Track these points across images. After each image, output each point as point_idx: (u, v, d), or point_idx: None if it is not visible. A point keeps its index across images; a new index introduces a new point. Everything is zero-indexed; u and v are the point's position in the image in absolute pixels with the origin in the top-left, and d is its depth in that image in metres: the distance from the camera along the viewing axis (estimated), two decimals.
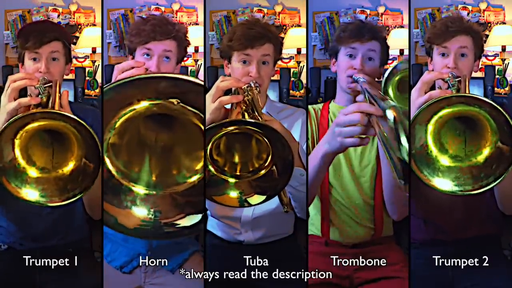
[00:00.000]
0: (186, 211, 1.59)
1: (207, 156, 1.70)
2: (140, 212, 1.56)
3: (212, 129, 1.66)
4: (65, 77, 2.17)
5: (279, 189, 1.75)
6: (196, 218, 1.58)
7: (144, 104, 1.52)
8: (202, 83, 1.51)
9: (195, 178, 1.59)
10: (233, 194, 1.74)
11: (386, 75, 1.93)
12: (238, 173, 1.75)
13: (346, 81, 2.13)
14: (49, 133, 1.76)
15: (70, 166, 1.74)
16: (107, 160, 1.61)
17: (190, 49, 2.57)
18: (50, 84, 1.92)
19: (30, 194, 1.73)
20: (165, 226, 1.58)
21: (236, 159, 1.76)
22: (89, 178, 1.69)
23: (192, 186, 1.58)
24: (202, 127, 1.56)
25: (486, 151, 1.74)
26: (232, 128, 1.68)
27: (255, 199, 1.74)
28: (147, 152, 1.58)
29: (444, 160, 1.77)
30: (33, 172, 1.74)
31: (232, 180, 1.75)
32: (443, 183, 1.75)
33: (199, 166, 1.59)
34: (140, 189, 1.57)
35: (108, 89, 1.52)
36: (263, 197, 1.74)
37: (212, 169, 1.73)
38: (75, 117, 1.67)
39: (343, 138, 1.67)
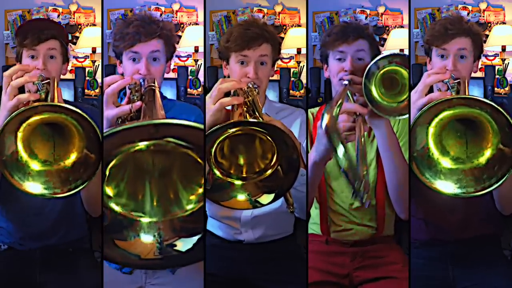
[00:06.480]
0: (181, 235, 1.57)
1: (211, 159, 1.67)
2: (147, 238, 1.54)
3: (215, 132, 1.62)
4: (65, 77, 2.17)
5: (286, 188, 1.70)
6: (191, 242, 1.56)
7: (141, 144, 1.48)
8: (202, 127, 1.45)
9: (190, 206, 1.57)
10: (241, 197, 1.70)
11: (365, 74, 1.88)
12: (244, 175, 1.71)
13: (339, 85, 2.11)
14: (50, 126, 1.76)
15: (71, 158, 1.74)
16: (112, 206, 1.58)
17: (190, 49, 2.58)
18: (48, 81, 1.92)
19: (34, 187, 1.73)
20: (169, 247, 1.56)
21: (241, 160, 1.73)
22: (90, 169, 1.69)
23: (190, 213, 1.56)
24: (200, 161, 1.52)
25: (487, 153, 1.73)
26: (235, 129, 1.65)
27: (265, 198, 1.70)
28: (146, 177, 1.56)
29: (446, 163, 1.76)
30: (35, 165, 1.74)
31: (238, 182, 1.71)
32: (445, 186, 1.74)
33: (193, 197, 1.56)
34: (145, 219, 1.55)
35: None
36: (272, 195, 1.70)
37: (217, 172, 1.69)
38: (76, 109, 1.67)
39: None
